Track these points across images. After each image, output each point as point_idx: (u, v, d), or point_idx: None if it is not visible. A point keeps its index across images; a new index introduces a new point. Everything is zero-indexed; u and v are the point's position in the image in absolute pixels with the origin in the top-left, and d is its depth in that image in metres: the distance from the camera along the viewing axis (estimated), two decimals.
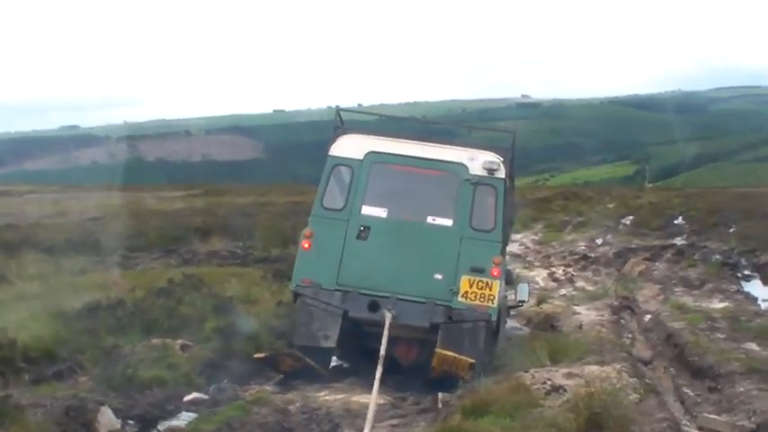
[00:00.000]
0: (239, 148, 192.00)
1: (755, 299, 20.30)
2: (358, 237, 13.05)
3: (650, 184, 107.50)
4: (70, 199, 55.90)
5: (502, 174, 13.20)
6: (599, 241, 32.97)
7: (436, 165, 13.33)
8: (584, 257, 28.16)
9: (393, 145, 13.54)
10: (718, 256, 26.45)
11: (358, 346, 13.56)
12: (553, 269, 26.23)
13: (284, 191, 62.20)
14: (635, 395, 10.38)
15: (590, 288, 22.50)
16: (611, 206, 49.34)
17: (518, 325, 18.17)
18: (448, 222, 13.10)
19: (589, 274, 25.57)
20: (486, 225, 13.07)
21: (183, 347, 13.72)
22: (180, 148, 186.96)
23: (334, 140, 13.57)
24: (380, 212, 13.19)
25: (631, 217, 41.15)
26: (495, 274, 12.84)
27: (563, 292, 22.11)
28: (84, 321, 14.57)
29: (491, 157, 13.27)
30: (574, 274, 25.35)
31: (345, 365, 14.28)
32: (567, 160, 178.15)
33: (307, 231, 13.18)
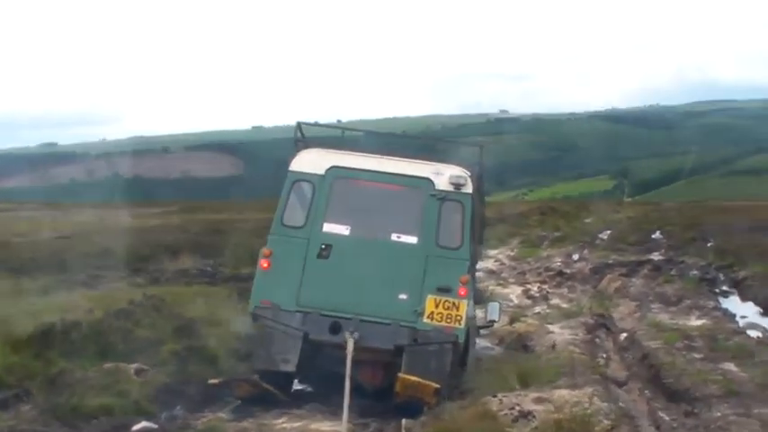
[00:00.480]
0: (218, 165, 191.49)
1: (733, 316, 19.83)
2: (319, 255, 12.46)
3: (629, 199, 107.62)
4: (44, 217, 55.28)
5: (469, 189, 12.66)
6: (575, 257, 32.49)
7: (401, 180, 12.78)
8: (560, 274, 27.66)
9: (356, 159, 12.99)
10: (695, 272, 26.04)
11: (320, 369, 12.99)
12: (528, 286, 25.71)
13: (262, 207, 61.44)
14: (607, 421, 9.81)
15: (565, 305, 22.00)
16: (588, 221, 48.96)
17: (490, 345, 17.64)
18: (413, 240, 12.52)
19: (564, 290, 25.07)
20: (453, 242, 12.49)
21: (138, 372, 13.10)
22: (158, 165, 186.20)
23: (294, 155, 13.03)
24: (343, 230, 12.60)
25: (609, 232, 40.76)
26: (463, 293, 12.26)
27: (537, 309, 21.60)
28: (37, 346, 13.92)
29: (458, 171, 12.72)
30: (549, 291, 24.85)
31: (308, 389, 13.71)
32: (546, 175, 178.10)
33: (265, 250, 12.58)
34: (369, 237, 12.61)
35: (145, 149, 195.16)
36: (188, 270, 28.77)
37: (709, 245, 32.26)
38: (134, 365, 13.22)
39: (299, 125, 13.24)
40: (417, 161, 13.01)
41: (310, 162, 12.88)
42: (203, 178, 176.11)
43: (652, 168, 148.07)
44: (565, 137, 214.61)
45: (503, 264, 31.96)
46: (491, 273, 29.11)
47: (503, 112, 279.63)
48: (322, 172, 12.75)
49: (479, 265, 30.61)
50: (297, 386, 13.54)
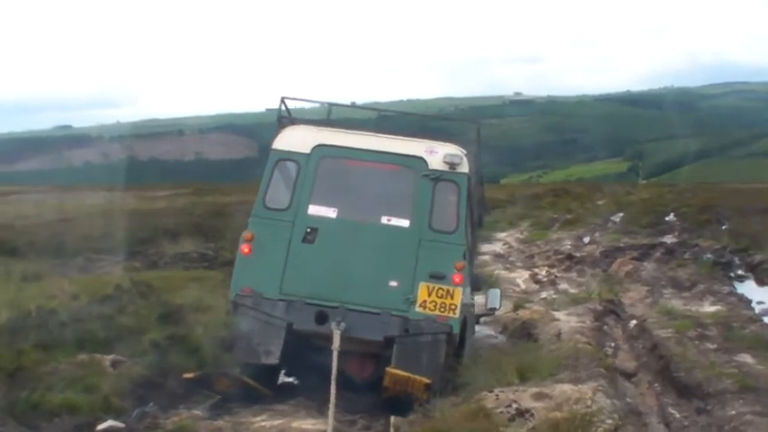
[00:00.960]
0: (232, 147, 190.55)
1: (749, 302, 18.88)
2: (304, 240, 11.59)
3: (644, 181, 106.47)
4: (53, 200, 54.76)
5: (465, 168, 11.77)
6: (586, 239, 31.56)
7: (392, 159, 11.88)
8: (569, 257, 26.69)
9: (344, 137, 12.10)
10: (709, 255, 25.04)
11: (306, 361, 12.16)
12: (536, 270, 24.78)
13: None
14: (609, 421, 8.95)
15: (573, 290, 21.09)
16: (600, 203, 47.96)
17: (493, 333, 16.85)
18: (404, 223, 11.64)
19: (573, 274, 24.14)
20: (448, 226, 11.61)
21: (115, 364, 12.30)
22: (173, 147, 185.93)
23: (277, 133, 12.17)
24: (329, 212, 11.73)
25: (621, 214, 39.77)
26: (457, 280, 11.37)
27: (544, 295, 20.73)
28: (8, 335, 13.14)
29: (453, 149, 11.83)
30: (557, 275, 23.93)
31: (296, 382, 12.90)
32: (561, 157, 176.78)
33: (246, 234, 11.70)
34: (357, 220, 11.74)
35: (159, 132, 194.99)
36: (188, 254, 28.16)
37: (723, 227, 31.26)
38: (110, 357, 12.45)
39: (282, 100, 12.37)
40: (410, 139, 12.13)
41: (295, 140, 12.02)
42: (217, 160, 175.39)
43: (666, 150, 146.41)
44: (579, 119, 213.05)
45: (511, 247, 31.07)
46: (498, 256, 28.26)
47: (517, 94, 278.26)
48: (307, 150, 11.89)
49: (485, 248, 29.94)
50: (285, 378, 12.82)
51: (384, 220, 11.67)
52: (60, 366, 11.80)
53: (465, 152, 11.90)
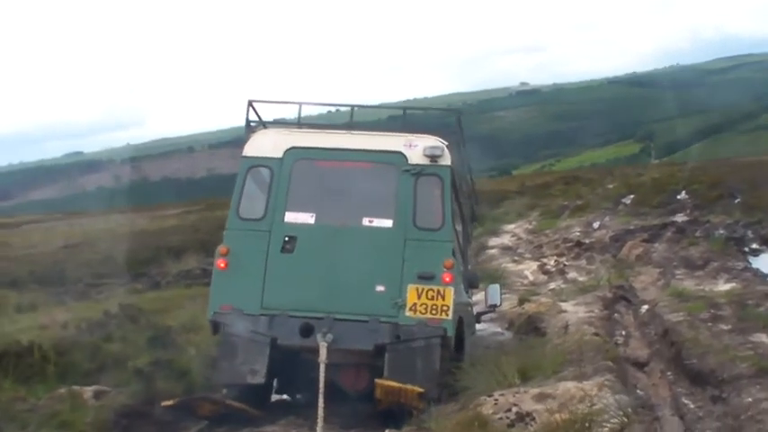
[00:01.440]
0: None
1: (765, 276, 18.15)
2: (283, 249, 10.91)
3: (656, 161, 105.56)
4: (62, 226, 54.44)
5: (447, 160, 11.06)
6: (596, 225, 30.72)
7: (369, 156, 11.19)
8: (578, 244, 25.96)
9: (317, 138, 11.45)
10: (722, 231, 24.26)
11: (296, 377, 11.53)
12: (544, 260, 24.10)
13: None
14: (615, 420, 8.24)
15: (582, 279, 20.41)
16: (611, 186, 47.07)
17: (499, 329, 16.15)
18: (387, 223, 10.94)
19: (583, 262, 23.46)
20: (433, 222, 10.90)
21: (98, 394, 11.71)
22: (184, 165, 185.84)
23: (247, 138, 11.52)
24: (307, 218, 11.05)
25: (632, 196, 38.91)
26: (448, 279, 10.66)
27: (552, 285, 20.05)
28: None
29: (433, 141, 11.13)
30: (566, 264, 23.23)
31: (288, 399, 12.25)
32: (572, 144, 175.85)
33: (222, 248, 11.06)
34: (337, 224, 11.06)
35: (169, 150, 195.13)
36: (191, 271, 27.71)
37: (736, 201, 30.44)
38: (92, 388, 11.85)
39: (250, 103, 11.69)
40: (387, 134, 11.48)
41: (266, 145, 11.36)
42: (229, 174, 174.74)
43: (677, 129, 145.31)
44: (587, 104, 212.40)
45: (519, 238, 30.31)
46: (506, 249, 27.56)
47: (523, 84, 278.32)
48: (280, 155, 11.22)
49: (492, 241, 29.29)
50: (278, 396, 12.17)
51: (365, 221, 11.00)
52: (40, 402, 11.24)
53: (446, 143, 11.21)
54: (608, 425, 8.15)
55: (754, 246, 22.55)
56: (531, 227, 33.24)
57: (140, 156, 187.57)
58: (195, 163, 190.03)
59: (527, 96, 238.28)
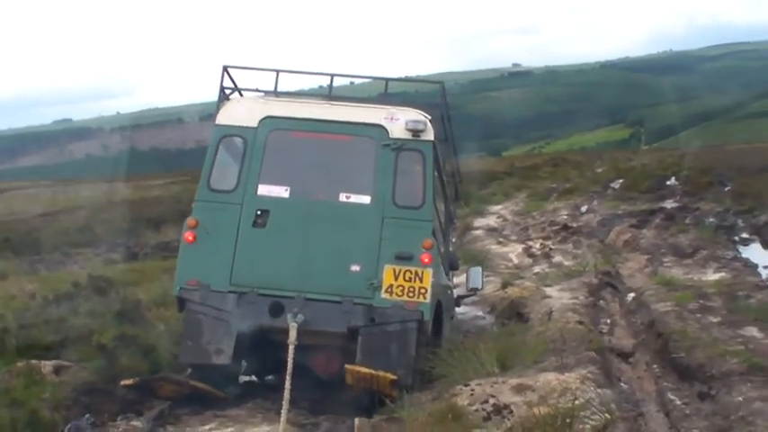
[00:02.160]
0: None
1: (755, 266, 17.64)
2: (254, 224, 10.35)
3: (646, 147, 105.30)
4: (47, 194, 53.99)
5: (430, 135, 10.50)
6: (584, 209, 30.22)
7: (348, 129, 10.62)
8: (565, 228, 25.41)
9: (295, 107, 10.86)
10: (711, 219, 23.77)
11: (264, 358, 11.02)
12: (530, 243, 23.59)
13: None
14: (597, 416, 7.74)
15: (568, 263, 19.85)
16: (600, 170, 46.61)
17: (480, 313, 15.65)
18: (365, 199, 10.38)
19: (569, 246, 22.90)
20: (413, 200, 10.36)
21: (58, 370, 11.15)
22: (173, 135, 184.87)
23: (221, 106, 10.95)
24: (281, 192, 10.49)
25: (621, 181, 38.43)
26: (426, 260, 10.13)
27: (537, 269, 19.53)
28: None
29: (415, 115, 10.56)
30: (552, 247, 22.72)
31: (257, 381, 11.75)
32: (562, 127, 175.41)
33: (190, 221, 10.46)
34: (312, 198, 10.51)
35: (159, 121, 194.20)
36: (170, 243, 27.04)
37: (726, 189, 29.99)
38: (52, 362, 11.29)
39: (225, 69, 11.11)
40: (368, 105, 10.94)
41: (240, 113, 10.79)
42: None
43: (668, 115, 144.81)
44: (579, 88, 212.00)
45: (506, 220, 29.79)
46: (492, 230, 27.01)
47: (515, 65, 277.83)
48: (254, 124, 10.65)
49: (478, 222, 28.78)
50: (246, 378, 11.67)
51: (342, 197, 10.45)
52: None
53: (429, 117, 10.66)
54: (590, 421, 7.66)
55: (744, 235, 22.05)
56: (517, 208, 32.73)
57: (130, 125, 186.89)
58: (184, 134, 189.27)
59: (519, 78, 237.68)
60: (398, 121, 10.48)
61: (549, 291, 15.63)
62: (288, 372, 9.32)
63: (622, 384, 10.22)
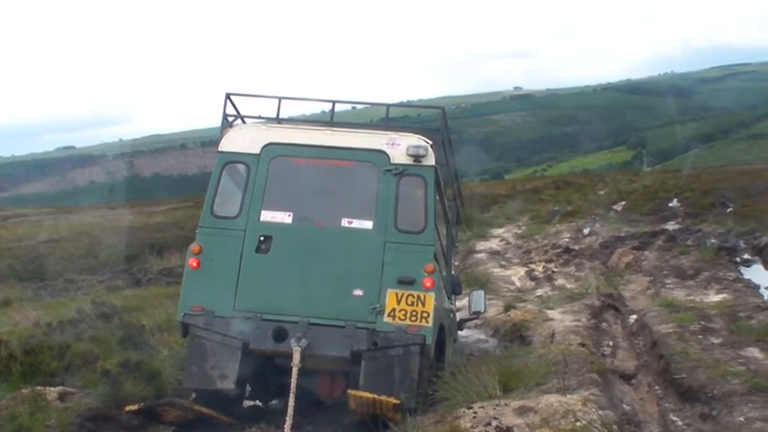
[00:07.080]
0: None
1: (757, 287, 17.70)
2: (258, 249, 10.44)
3: (648, 168, 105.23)
4: (50, 221, 54.00)
5: (431, 160, 10.59)
6: (586, 231, 30.18)
7: (349, 154, 10.71)
8: (568, 250, 25.42)
9: (297, 134, 10.96)
10: (713, 240, 23.77)
11: (268, 383, 11.09)
12: (532, 266, 23.62)
13: None
14: None
15: (570, 286, 19.91)
16: (602, 192, 46.62)
17: (483, 336, 15.71)
18: (367, 225, 10.46)
19: (572, 269, 22.93)
20: (415, 225, 10.43)
21: (63, 396, 11.23)
22: (176, 161, 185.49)
23: (224, 133, 11.06)
24: (284, 218, 10.58)
25: (623, 202, 38.44)
26: (429, 284, 10.20)
27: (540, 292, 19.57)
28: None
29: (416, 140, 10.65)
30: (554, 270, 22.75)
31: (261, 405, 11.81)
32: (565, 149, 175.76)
33: (194, 247, 10.55)
34: (315, 224, 10.59)
35: (162, 147, 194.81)
36: (174, 269, 27.08)
37: (728, 210, 30.00)
38: (57, 389, 11.37)
39: (227, 96, 11.22)
40: (369, 131, 11.01)
41: (243, 140, 10.88)
42: None
43: (670, 137, 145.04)
44: (581, 110, 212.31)
45: (508, 243, 29.78)
46: (494, 254, 27.01)
47: (517, 89, 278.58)
48: (257, 151, 10.75)
49: (480, 245, 28.78)
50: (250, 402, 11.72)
51: (344, 222, 10.53)
52: (2, 403, 10.76)
53: (431, 143, 10.75)
54: None
55: (746, 256, 22.06)
56: (520, 231, 32.71)
57: (133, 152, 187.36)
58: (187, 160, 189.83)
59: (521, 101, 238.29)
60: (399, 146, 10.57)
61: (551, 313, 15.69)
62: (291, 392, 9.39)
63: (624, 406, 10.24)
